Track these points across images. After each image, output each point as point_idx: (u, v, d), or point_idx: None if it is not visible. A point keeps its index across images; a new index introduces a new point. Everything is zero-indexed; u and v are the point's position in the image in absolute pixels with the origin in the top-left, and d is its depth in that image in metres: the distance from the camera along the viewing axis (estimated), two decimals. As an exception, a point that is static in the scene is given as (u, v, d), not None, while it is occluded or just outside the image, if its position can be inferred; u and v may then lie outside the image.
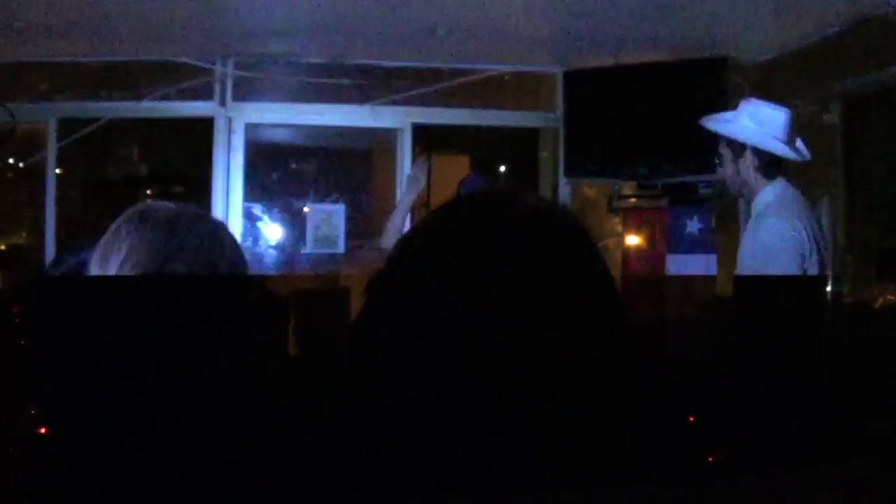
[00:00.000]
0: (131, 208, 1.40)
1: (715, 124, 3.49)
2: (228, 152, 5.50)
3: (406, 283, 0.62)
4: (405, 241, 0.67)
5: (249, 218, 5.65)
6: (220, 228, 1.41)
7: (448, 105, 5.73)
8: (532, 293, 0.58)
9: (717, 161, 3.50)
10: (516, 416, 0.56)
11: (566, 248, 0.63)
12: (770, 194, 3.31)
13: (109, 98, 5.40)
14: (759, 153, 3.31)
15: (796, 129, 3.45)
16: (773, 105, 3.39)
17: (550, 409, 0.57)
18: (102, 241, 1.36)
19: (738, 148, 3.34)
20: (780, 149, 3.31)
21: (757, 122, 3.35)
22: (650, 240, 5.23)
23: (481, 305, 0.57)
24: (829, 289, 2.96)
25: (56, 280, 1.49)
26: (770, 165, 3.33)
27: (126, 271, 1.28)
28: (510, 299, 0.58)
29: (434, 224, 0.67)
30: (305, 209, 5.76)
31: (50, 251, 5.29)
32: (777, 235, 3.19)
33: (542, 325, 0.58)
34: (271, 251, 5.77)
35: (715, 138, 3.48)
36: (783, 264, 3.11)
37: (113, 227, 1.37)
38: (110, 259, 1.32)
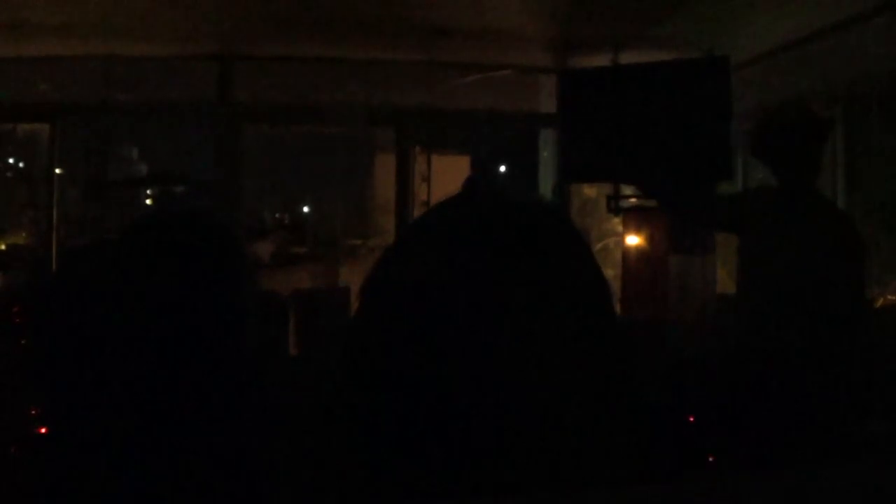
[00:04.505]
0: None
1: None
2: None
3: (397, 285, 0.62)
4: (397, 243, 0.68)
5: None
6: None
7: (448, 105, 5.73)
8: (520, 295, 0.59)
9: None
10: (506, 419, 0.57)
11: (555, 251, 0.63)
12: None
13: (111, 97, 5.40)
14: None
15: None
16: None
17: (538, 410, 0.57)
18: None
19: None
20: None
21: None
22: (650, 240, 5.22)
23: (470, 307, 0.58)
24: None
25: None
26: None
27: None
28: (498, 301, 0.58)
29: (425, 225, 0.67)
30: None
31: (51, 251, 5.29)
32: None
33: (529, 326, 0.58)
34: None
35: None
36: None
37: None
38: None
